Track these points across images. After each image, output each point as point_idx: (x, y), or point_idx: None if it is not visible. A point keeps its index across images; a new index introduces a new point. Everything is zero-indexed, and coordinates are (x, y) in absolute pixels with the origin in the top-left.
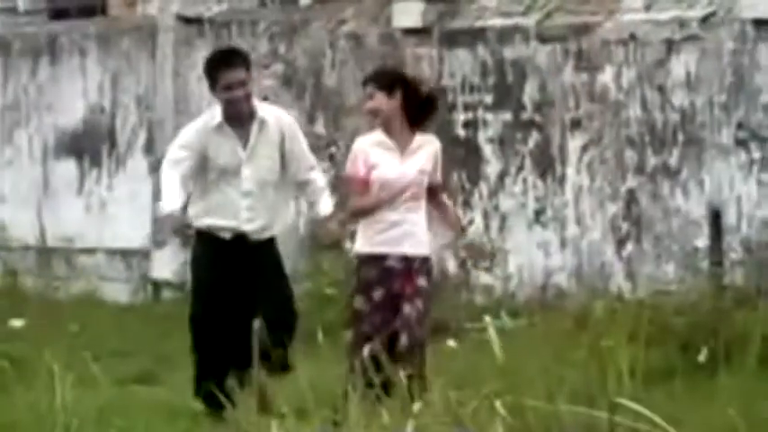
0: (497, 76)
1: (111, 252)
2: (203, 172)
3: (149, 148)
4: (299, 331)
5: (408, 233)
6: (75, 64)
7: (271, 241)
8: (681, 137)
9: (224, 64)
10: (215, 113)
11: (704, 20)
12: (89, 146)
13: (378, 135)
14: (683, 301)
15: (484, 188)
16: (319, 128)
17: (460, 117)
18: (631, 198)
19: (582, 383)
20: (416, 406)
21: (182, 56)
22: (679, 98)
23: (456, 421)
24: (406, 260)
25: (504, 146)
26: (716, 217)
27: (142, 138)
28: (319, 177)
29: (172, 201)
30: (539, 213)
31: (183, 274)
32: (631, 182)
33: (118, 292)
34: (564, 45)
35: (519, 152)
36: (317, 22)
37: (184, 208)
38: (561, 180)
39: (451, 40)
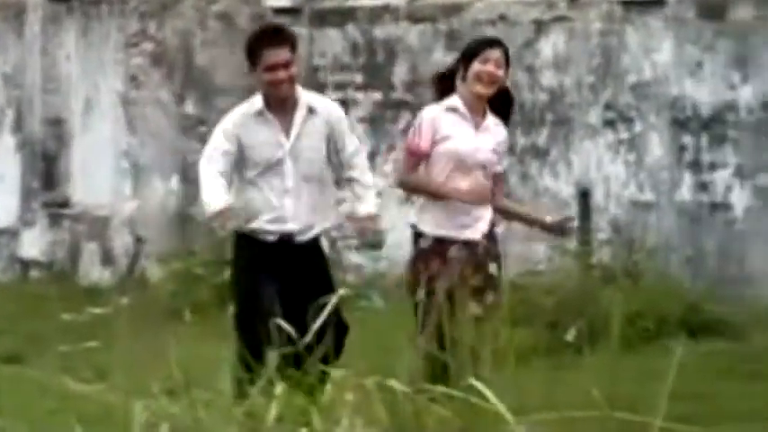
0: (368, 55)
1: None
2: (241, 168)
3: (18, 126)
4: (169, 311)
5: (475, 218)
6: None
7: (315, 242)
8: (549, 117)
9: (267, 42)
10: (255, 101)
11: (573, 1)
12: None
13: (454, 100)
14: (552, 281)
15: None
16: (189, 108)
17: (331, 96)
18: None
19: (450, 363)
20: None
21: (50, 34)
22: (548, 79)
23: (328, 402)
24: (470, 245)
25: (374, 125)
26: (584, 197)
27: (10, 116)
28: (366, 175)
29: (217, 197)
30: None
31: (51, 254)
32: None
33: None
34: (434, 25)
35: (389, 132)
36: (188, 1)
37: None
38: None
39: (322, 19)
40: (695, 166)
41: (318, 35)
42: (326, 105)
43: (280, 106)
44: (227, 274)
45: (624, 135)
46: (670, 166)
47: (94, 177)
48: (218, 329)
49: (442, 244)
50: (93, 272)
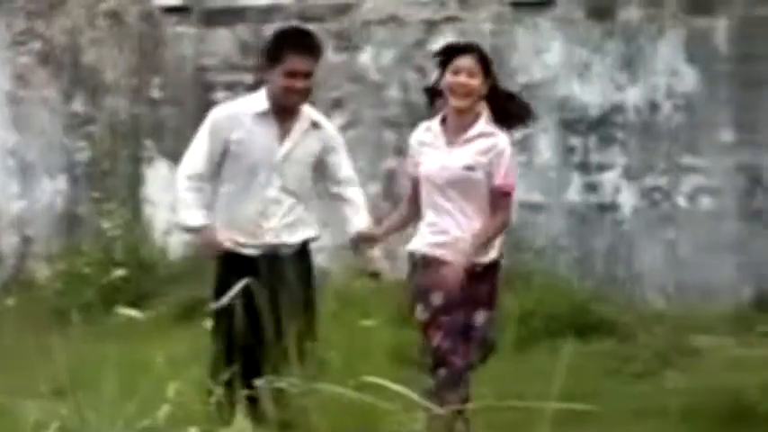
0: (258, 56)
1: None
2: (221, 172)
3: None
4: (56, 311)
5: (450, 240)
6: None
7: (298, 253)
8: None
9: (294, 46)
10: (258, 99)
11: (463, 1)
12: None
13: (432, 124)
14: None
15: None
16: (77, 106)
17: (221, 97)
18: (391, 178)
19: (342, 364)
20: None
21: None
22: None
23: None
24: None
25: None
26: None
27: None
28: (356, 193)
29: (194, 215)
30: None
31: None
32: (391, 162)
33: None
34: (324, 25)
35: None
36: None
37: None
38: None
39: (211, 18)
40: (583, 167)
41: (208, 35)
42: (328, 125)
43: (282, 112)
44: (113, 273)
45: (514, 136)
46: (558, 167)
47: None
48: (104, 329)
49: (430, 262)
50: None
